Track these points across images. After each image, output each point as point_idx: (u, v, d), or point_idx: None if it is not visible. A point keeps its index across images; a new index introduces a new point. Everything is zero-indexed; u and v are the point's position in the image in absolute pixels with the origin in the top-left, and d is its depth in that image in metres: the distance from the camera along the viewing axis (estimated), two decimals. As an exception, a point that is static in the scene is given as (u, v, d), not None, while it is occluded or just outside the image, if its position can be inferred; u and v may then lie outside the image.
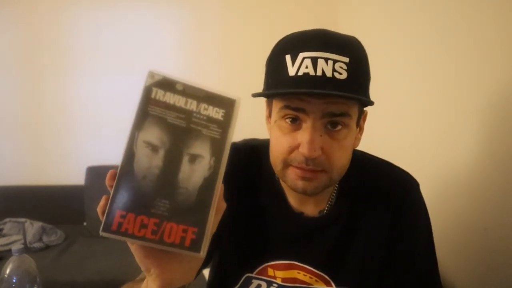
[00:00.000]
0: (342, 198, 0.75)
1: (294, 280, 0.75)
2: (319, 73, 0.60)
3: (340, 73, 0.60)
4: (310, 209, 0.75)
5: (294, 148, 0.64)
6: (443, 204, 1.25)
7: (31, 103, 2.63)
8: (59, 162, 2.64)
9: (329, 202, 0.75)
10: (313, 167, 0.63)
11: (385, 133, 1.76)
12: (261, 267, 0.76)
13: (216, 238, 0.76)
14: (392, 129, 1.70)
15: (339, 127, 0.64)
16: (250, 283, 0.77)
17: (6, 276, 0.84)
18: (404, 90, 1.59)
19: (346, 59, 0.60)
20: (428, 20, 1.37)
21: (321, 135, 0.62)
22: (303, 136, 0.62)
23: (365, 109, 0.73)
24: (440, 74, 1.29)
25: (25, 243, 2.16)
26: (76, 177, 2.51)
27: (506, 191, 0.96)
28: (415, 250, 0.74)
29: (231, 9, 2.57)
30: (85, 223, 2.45)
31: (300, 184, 0.65)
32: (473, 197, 1.09)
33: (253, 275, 0.77)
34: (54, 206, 2.47)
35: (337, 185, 0.75)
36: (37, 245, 2.21)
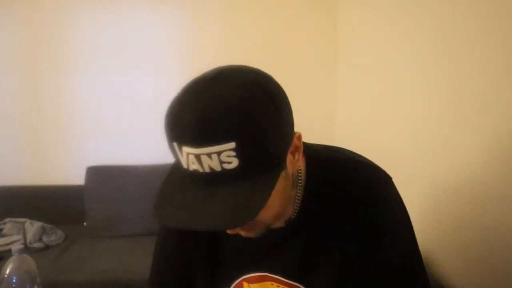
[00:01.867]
0: (309, 205, 0.70)
1: None
2: (207, 169, 0.53)
3: (230, 162, 0.52)
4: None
5: None
6: (443, 204, 1.25)
7: (31, 103, 2.63)
8: (59, 162, 2.64)
9: (295, 210, 0.71)
10: (245, 230, 0.64)
11: (385, 133, 1.76)
12: (236, 282, 0.76)
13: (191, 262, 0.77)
14: (392, 129, 1.70)
15: None
16: None
17: (6, 276, 0.84)
18: (404, 90, 1.59)
19: (232, 145, 0.51)
20: (429, 19, 1.37)
21: None
22: None
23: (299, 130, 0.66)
24: (440, 74, 1.29)
25: (25, 243, 2.16)
26: (76, 177, 2.51)
27: (506, 191, 0.96)
28: (393, 253, 0.70)
29: (231, 9, 2.57)
30: (85, 223, 2.45)
31: (242, 234, 0.65)
32: (474, 197, 1.09)
33: None
34: (54, 206, 2.46)
35: (299, 193, 0.70)
36: (37, 245, 2.21)
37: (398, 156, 1.58)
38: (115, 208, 2.39)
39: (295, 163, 0.63)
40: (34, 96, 2.62)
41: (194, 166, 0.54)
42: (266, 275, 0.74)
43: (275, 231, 0.71)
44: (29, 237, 2.21)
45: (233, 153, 0.52)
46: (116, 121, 2.60)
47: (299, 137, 0.63)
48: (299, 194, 0.70)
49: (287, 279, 0.72)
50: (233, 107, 0.53)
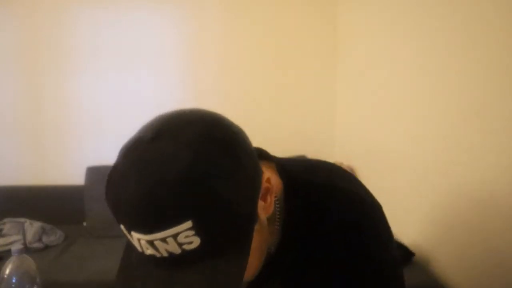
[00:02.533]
0: (287, 239, 0.64)
1: None
2: (165, 254, 0.46)
3: (190, 242, 0.45)
4: None
5: None
6: (443, 205, 1.25)
7: (31, 103, 2.63)
8: (59, 162, 2.64)
9: (274, 241, 0.64)
10: None
11: (385, 134, 1.75)
12: None
13: None
14: (392, 129, 1.69)
15: None
16: None
17: (5, 276, 0.84)
18: (404, 90, 1.59)
19: (188, 224, 0.44)
20: (429, 19, 1.37)
21: None
22: None
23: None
24: (440, 74, 1.29)
25: (24, 243, 2.16)
26: (76, 177, 2.51)
27: (506, 191, 0.96)
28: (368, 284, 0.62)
29: (231, 9, 2.57)
30: (85, 223, 2.44)
31: None
32: (474, 198, 1.09)
33: None
34: (54, 206, 2.47)
35: (278, 222, 0.62)
36: (37, 245, 2.21)
37: (398, 157, 1.58)
38: (115, 208, 2.38)
39: (268, 207, 0.56)
40: (34, 96, 2.63)
41: (149, 251, 0.47)
42: None
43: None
44: (29, 237, 2.21)
45: (192, 232, 0.45)
46: (116, 121, 2.60)
47: (268, 180, 0.55)
48: (278, 226, 0.63)
49: None
50: (180, 180, 0.44)
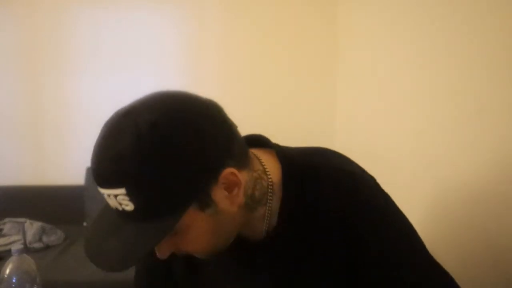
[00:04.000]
0: (282, 217, 0.66)
1: None
2: (113, 207, 0.56)
3: (126, 205, 0.54)
4: (249, 234, 0.68)
5: None
6: (443, 204, 1.25)
7: (31, 103, 2.63)
8: (59, 162, 2.64)
9: (266, 225, 0.67)
10: (182, 254, 0.64)
11: (385, 134, 1.76)
12: None
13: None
14: (392, 130, 1.70)
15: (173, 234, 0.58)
16: None
17: (5, 276, 0.84)
18: (404, 90, 1.59)
19: (122, 190, 0.53)
20: (429, 19, 1.37)
21: (164, 242, 0.58)
22: None
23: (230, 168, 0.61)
24: (441, 74, 1.29)
25: (25, 243, 2.16)
26: (76, 177, 2.51)
27: (506, 191, 0.96)
28: (384, 263, 0.64)
29: (231, 9, 2.57)
30: (85, 223, 2.45)
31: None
32: (474, 197, 1.09)
33: None
34: (54, 206, 2.46)
35: (270, 207, 0.66)
36: (37, 245, 2.21)
37: (398, 158, 1.58)
38: (115, 208, 2.38)
39: (236, 197, 0.59)
40: (34, 96, 2.62)
41: (107, 201, 0.57)
42: None
43: (251, 246, 0.68)
44: (29, 237, 2.21)
45: (127, 198, 0.53)
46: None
47: (232, 173, 0.58)
48: (270, 209, 0.66)
49: None
50: (122, 153, 0.53)
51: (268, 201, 0.66)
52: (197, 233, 0.59)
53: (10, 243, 2.16)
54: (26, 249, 2.04)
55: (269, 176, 0.66)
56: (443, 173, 1.26)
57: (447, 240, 1.20)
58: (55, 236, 2.30)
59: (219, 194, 0.58)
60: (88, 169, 2.47)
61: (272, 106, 2.53)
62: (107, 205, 0.59)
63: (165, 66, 2.58)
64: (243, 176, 0.60)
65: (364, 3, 2.07)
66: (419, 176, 1.43)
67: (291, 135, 2.53)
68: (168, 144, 0.53)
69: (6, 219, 2.34)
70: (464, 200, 1.14)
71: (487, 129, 1.04)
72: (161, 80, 2.57)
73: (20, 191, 2.53)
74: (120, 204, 0.54)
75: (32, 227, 2.26)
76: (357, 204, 0.65)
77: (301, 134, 2.74)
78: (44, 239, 2.25)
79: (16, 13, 2.56)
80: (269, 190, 0.66)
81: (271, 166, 0.67)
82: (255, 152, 0.68)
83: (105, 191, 0.55)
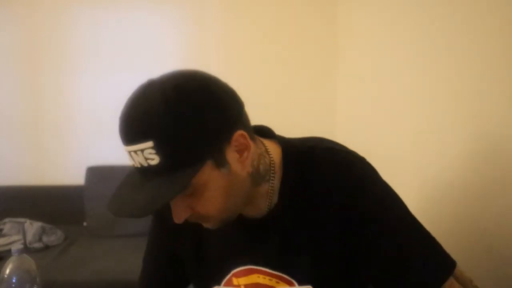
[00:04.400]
0: (283, 194, 0.73)
1: (257, 285, 0.75)
2: (138, 164, 0.61)
3: (152, 159, 0.59)
4: (252, 211, 0.74)
5: None
6: (443, 204, 1.25)
7: (31, 103, 2.63)
8: (59, 162, 2.64)
9: (269, 201, 0.73)
10: (194, 220, 0.68)
11: (385, 134, 1.76)
12: (227, 278, 0.78)
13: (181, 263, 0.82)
14: (392, 130, 1.70)
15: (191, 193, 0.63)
16: None
17: (5, 276, 0.84)
18: (404, 91, 1.59)
19: (150, 143, 0.58)
20: (429, 20, 1.37)
21: (182, 201, 0.64)
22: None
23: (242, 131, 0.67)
24: (440, 75, 1.29)
25: (25, 243, 2.16)
26: (76, 177, 2.51)
27: (505, 191, 0.96)
28: (383, 229, 0.69)
29: (231, 9, 2.57)
30: (85, 223, 2.45)
31: (203, 224, 0.71)
32: (473, 198, 1.09)
33: (221, 287, 0.78)
34: (54, 206, 2.46)
35: (273, 184, 0.73)
36: (37, 245, 2.21)
37: (398, 158, 1.58)
38: (115, 208, 2.38)
39: (244, 161, 0.66)
40: (34, 96, 2.62)
41: (132, 161, 0.62)
42: (253, 268, 0.76)
43: (254, 222, 0.74)
44: (29, 237, 2.21)
45: (153, 151, 0.58)
46: (116, 121, 2.59)
47: (243, 135, 0.65)
48: (272, 187, 0.73)
49: (271, 269, 0.74)
50: (150, 110, 0.60)
51: (271, 179, 0.72)
52: (213, 191, 0.64)
53: (10, 243, 2.16)
54: (26, 249, 2.04)
55: (271, 156, 0.73)
56: (443, 173, 1.26)
57: (444, 239, 1.20)
58: (55, 236, 2.30)
59: (231, 155, 0.64)
60: (88, 169, 2.48)
61: (272, 106, 2.53)
62: (129, 172, 0.65)
63: (165, 66, 2.55)
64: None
65: (364, 3, 2.07)
66: (418, 175, 1.43)
67: (291, 135, 2.53)
68: (190, 101, 0.61)
69: (6, 219, 2.34)
70: (464, 200, 1.14)
71: (487, 129, 1.04)
72: (161, 80, 2.56)
73: (20, 191, 2.53)
74: (146, 159, 0.59)
75: (32, 227, 2.26)
76: (353, 179, 0.71)
77: (301, 134, 2.73)
78: (44, 239, 2.26)
79: (16, 13, 2.56)
80: (271, 168, 0.72)
81: (272, 149, 0.74)
82: (257, 137, 0.74)
83: (133, 148, 0.60)
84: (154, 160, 0.59)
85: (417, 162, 1.45)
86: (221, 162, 0.63)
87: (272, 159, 0.73)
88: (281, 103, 2.55)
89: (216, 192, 0.65)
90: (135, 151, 0.60)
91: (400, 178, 1.59)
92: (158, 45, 2.57)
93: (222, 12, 2.58)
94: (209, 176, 0.63)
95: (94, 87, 2.60)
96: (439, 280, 0.68)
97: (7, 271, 0.84)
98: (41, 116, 2.63)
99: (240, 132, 0.64)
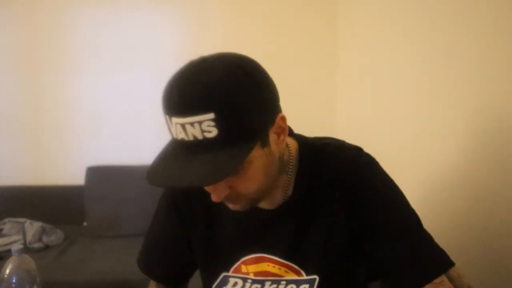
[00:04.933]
0: (299, 187, 0.76)
1: (265, 273, 0.77)
2: (190, 137, 0.60)
3: (210, 131, 0.58)
4: (269, 203, 0.76)
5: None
6: (443, 204, 1.25)
7: (31, 103, 2.63)
8: (59, 162, 2.64)
9: (284, 194, 0.76)
10: (228, 200, 0.69)
11: (385, 134, 1.76)
12: (236, 265, 0.79)
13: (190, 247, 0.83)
14: (391, 127, 1.70)
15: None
16: (227, 281, 0.80)
17: (5, 276, 0.84)
18: (404, 90, 1.59)
19: (211, 115, 0.58)
20: (429, 19, 1.37)
21: (225, 181, 0.64)
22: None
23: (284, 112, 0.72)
24: (440, 74, 1.29)
25: (25, 243, 2.16)
26: (76, 177, 2.51)
27: (505, 190, 0.96)
28: (380, 218, 0.73)
29: (231, 9, 2.57)
30: (85, 223, 2.45)
31: (229, 206, 0.71)
32: (473, 197, 1.10)
33: (229, 273, 0.80)
34: (54, 206, 2.46)
35: (290, 176, 0.76)
36: (37, 245, 2.21)
37: (398, 157, 1.58)
38: (115, 208, 2.39)
39: (280, 144, 0.69)
40: (34, 96, 2.62)
41: (181, 135, 0.60)
42: (263, 256, 0.77)
43: (265, 213, 0.76)
44: (29, 237, 2.21)
45: (213, 123, 0.58)
46: (116, 121, 2.60)
47: (283, 118, 0.67)
48: (289, 179, 0.75)
49: (281, 258, 0.76)
50: (214, 82, 0.59)
51: (289, 171, 0.75)
52: (255, 170, 0.65)
53: (10, 243, 2.16)
54: (26, 249, 2.04)
55: (290, 150, 0.76)
56: (443, 173, 1.26)
57: (443, 238, 1.20)
58: (55, 236, 2.30)
59: (272, 137, 0.67)
60: (88, 169, 2.48)
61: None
62: (167, 148, 0.65)
63: (165, 66, 2.56)
64: None
65: (364, 3, 2.07)
66: (418, 174, 1.43)
67: (291, 135, 2.53)
68: (252, 78, 0.62)
69: (6, 219, 2.34)
70: (464, 199, 1.14)
71: (486, 129, 1.04)
72: (161, 80, 2.56)
73: (20, 191, 2.53)
74: (203, 131, 0.58)
75: (32, 227, 2.26)
76: (360, 173, 0.75)
77: (302, 133, 2.73)
78: (44, 239, 2.25)
79: (16, 13, 2.56)
80: (290, 161, 0.75)
81: (290, 144, 0.77)
82: None
83: (189, 120, 0.58)
84: (212, 133, 0.58)
85: (417, 161, 1.45)
86: (265, 142, 0.65)
87: (291, 152, 0.76)
88: (281, 102, 2.54)
89: (258, 171, 0.66)
90: (192, 123, 0.58)
91: (400, 177, 1.59)
92: (158, 45, 2.57)
93: (222, 12, 2.58)
94: (256, 155, 0.64)
95: (94, 87, 2.59)
96: (428, 276, 0.71)
97: (7, 271, 0.84)
98: (41, 116, 2.62)
99: (281, 114, 0.67)
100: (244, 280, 0.79)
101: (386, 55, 1.76)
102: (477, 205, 1.08)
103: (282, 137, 0.68)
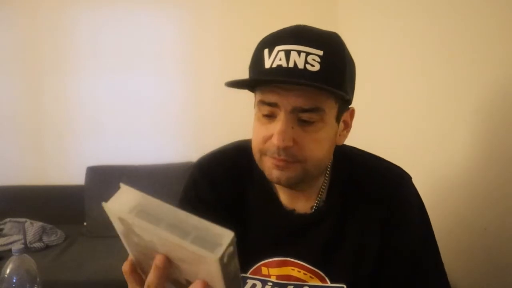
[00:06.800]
0: (333, 193, 0.76)
1: (289, 277, 0.76)
2: (291, 64, 0.62)
3: (313, 65, 0.62)
4: (301, 206, 0.76)
5: (267, 139, 0.67)
6: (443, 204, 1.25)
7: (31, 103, 2.63)
8: (59, 162, 2.64)
9: (318, 198, 0.76)
10: (285, 157, 0.65)
11: (384, 132, 1.76)
12: (255, 267, 0.78)
13: None
14: (391, 127, 1.70)
15: (312, 120, 0.65)
16: (245, 283, 0.78)
17: (6, 276, 0.84)
18: (404, 90, 1.59)
19: (320, 52, 0.62)
20: (428, 18, 1.38)
21: (293, 127, 0.64)
22: (275, 127, 0.64)
23: (353, 106, 0.74)
24: (440, 74, 1.29)
25: (25, 243, 2.16)
26: (76, 177, 2.51)
27: (505, 190, 0.96)
28: (410, 244, 0.74)
29: (231, 9, 2.57)
30: (85, 223, 2.45)
31: (274, 173, 0.68)
32: (473, 197, 1.10)
33: (247, 275, 0.78)
34: (54, 206, 2.47)
35: (326, 180, 0.76)
36: (37, 245, 2.21)
37: (398, 157, 1.58)
38: (115, 208, 2.38)
39: (341, 137, 0.72)
40: (34, 96, 2.62)
41: (278, 62, 0.63)
42: (288, 260, 0.76)
43: (299, 218, 0.76)
44: (29, 237, 2.21)
45: (318, 59, 0.62)
46: (116, 121, 2.60)
47: (353, 112, 0.73)
48: (325, 183, 0.76)
49: (309, 264, 0.75)
50: (329, 33, 0.67)
51: (326, 174, 0.76)
52: (325, 134, 0.67)
53: (11, 243, 2.16)
54: (27, 249, 2.04)
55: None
56: (442, 173, 1.26)
57: (443, 238, 1.20)
58: (55, 236, 2.30)
59: (340, 125, 0.71)
60: (88, 169, 2.48)
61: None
62: (263, 73, 0.66)
63: (165, 66, 2.58)
64: None
65: (364, 3, 2.07)
66: (418, 174, 1.43)
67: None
68: (352, 60, 0.69)
69: (7, 219, 2.34)
70: (464, 199, 1.14)
71: (486, 128, 1.04)
72: (161, 80, 2.57)
73: (20, 191, 2.53)
74: (306, 63, 0.62)
75: (32, 227, 2.26)
76: (396, 193, 0.75)
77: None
78: (44, 239, 2.25)
79: (16, 13, 2.56)
80: (328, 165, 0.76)
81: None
82: None
83: (300, 48, 0.62)
84: (314, 67, 0.62)
85: (417, 161, 1.45)
86: (339, 118, 0.69)
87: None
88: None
89: (326, 139, 0.68)
90: (299, 51, 0.62)
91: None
92: (158, 45, 2.57)
93: (222, 12, 2.58)
94: (330, 121, 0.67)
95: (94, 87, 2.60)
96: None
97: (8, 271, 0.85)
98: (41, 116, 2.63)
99: (353, 108, 0.72)
100: (264, 282, 0.77)
101: (386, 55, 1.76)
102: (478, 205, 1.08)
103: (345, 132, 0.73)
